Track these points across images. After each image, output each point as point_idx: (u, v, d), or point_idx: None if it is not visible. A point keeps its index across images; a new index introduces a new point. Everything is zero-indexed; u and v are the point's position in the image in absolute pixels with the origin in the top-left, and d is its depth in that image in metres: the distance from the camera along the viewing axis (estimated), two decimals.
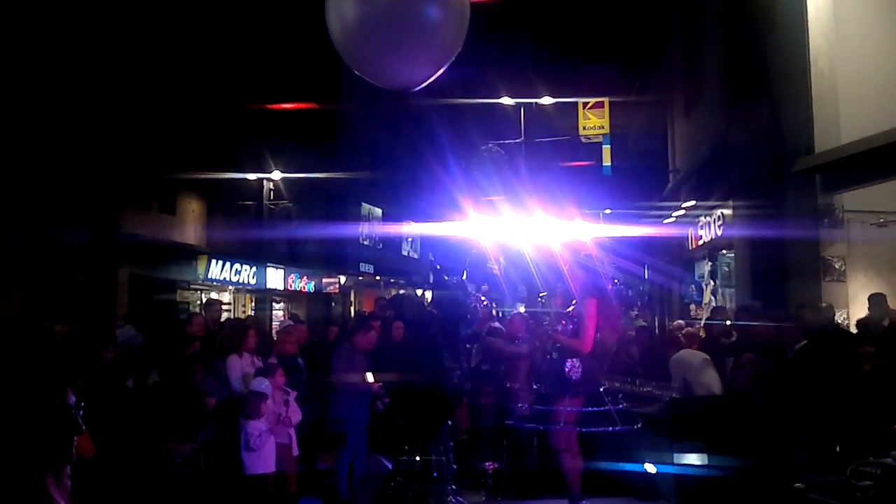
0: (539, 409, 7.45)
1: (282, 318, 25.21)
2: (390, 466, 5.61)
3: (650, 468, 8.58)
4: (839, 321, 11.26)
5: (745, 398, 9.19)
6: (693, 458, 8.02)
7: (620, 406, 7.51)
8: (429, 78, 4.88)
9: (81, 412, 5.69)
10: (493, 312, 13.84)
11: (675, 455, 8.10)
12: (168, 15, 20.38)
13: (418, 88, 4.93)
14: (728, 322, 10.87)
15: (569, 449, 7.32)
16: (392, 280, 37.06)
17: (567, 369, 7.19)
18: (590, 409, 7.36)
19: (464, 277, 7.10)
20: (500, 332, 10.28)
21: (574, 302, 7.51)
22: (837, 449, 8.67)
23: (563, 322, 7.44)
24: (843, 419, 8.37)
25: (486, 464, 8.89)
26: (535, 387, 7.82)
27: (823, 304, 10.66)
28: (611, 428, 7.43)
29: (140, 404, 7.21)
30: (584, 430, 7.32)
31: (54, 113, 17.36)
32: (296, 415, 8.72)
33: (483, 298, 10.91)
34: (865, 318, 10.09)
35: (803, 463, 8.19)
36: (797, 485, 6.34)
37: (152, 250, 21.37)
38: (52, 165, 17.38)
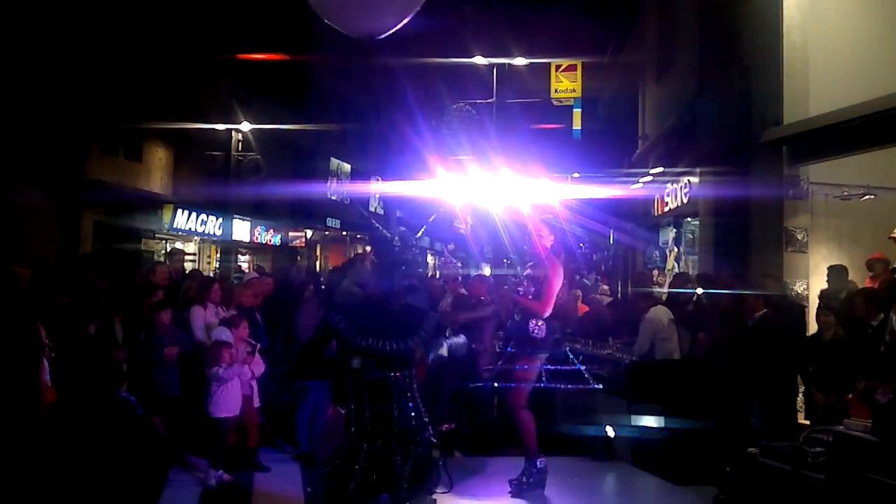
0: (502, 368, 7.51)
1: (247, 270, 25.11)
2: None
3: (608, 429, 8.71)
4: (799, 291, 11.44)
5: (703, 365, 9.34)
6: (650, 421, 8.14)
7: (579, 367, 7.60)
8: (392, 27, 4.87)
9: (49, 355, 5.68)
10: (459, 273, 13.88)
11: (633, 417, 8.22)
12: None
13: (382, 37, 4.92)
14: (693, 290, 11.00)
15: (525, 406, 7.40)
16: (358, 235, 37.00)
17: (531, 328, 7.25)
18: (552, 367, 7.44)
19: (419, 234, 7.09)
20: (466, 299, 10.29)
21: (534, 264, 7.56)
22: (792, 415, 8.87)
23: (525, 283, 7.48)
24: (798, 387, 8.55)
25: (443, 426, 8.98)
26: (498, 350, 7.87)
27: (778, 276, 10.85)
28: (571, 386, 7.53)
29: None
30: (543, 385, 7.39)
31: (21, 54, 17.04)
32: (258, 367, 8.74)
33: (455, 259, 10.96)
34: (827, 288, 10.24)
35: (758, 428, 8.37)
36: (751, 449, 6.48)
37: (117, 198, 21.13)
38: (16, 108, 17.09)
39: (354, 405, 4.78)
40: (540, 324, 7.24)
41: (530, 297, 7.40)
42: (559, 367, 7.56)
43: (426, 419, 4.94)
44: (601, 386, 7.74)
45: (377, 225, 5.56)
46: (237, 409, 8.27)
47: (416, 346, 5.01)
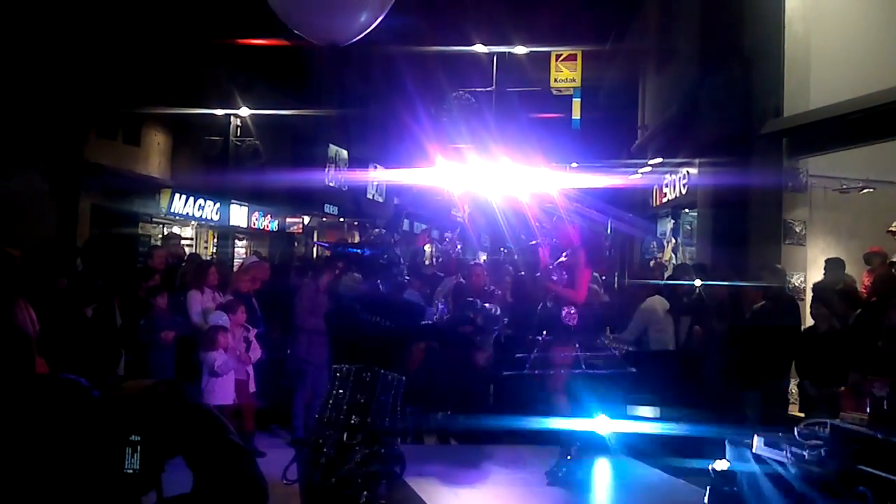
0: (538, 356, 7.45)
1: (244, 256, 25.08)
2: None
3: (603, 419, 8.70)
4: (796, 284, 11.45)
5: (699, 356, 9.35)
6: (646, 411, 8.15)
7: (613, 350, 7.59)
8: (357, 34, 4.83)
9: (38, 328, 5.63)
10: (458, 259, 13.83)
11: (628, 407, 8.22)
12: None
13: (347, 44, 4.89)
14: (691, 281, 10.99)
15: (563, 392, 7.41)
16: (356, 222, 36.95)
17: (563, 315, 7.25)
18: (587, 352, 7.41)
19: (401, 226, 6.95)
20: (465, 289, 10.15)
21: (565, 254, 7.54)
22: (787, 407, 8.88)
23: (558, 271, 7.46)
24: (794, 378, 8.55)
25: (438, 414, 8.97)
26: (530, 337, 7.79)
27: (779, 267, 10.84)
28: (606, 371, 7.49)
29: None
30: (581, 371, 7.36)
31: (20, 36, 16.96)
32: (255, 352, 8.75)
33: (458, 245, 10.91)
34: (821, 281, 10.24)
35: (751, 419, 8.38)
36: (746, 441, 6.48)
37: (115, 181, 21.08)
38: (14, 91, 17.03)
39: (335, 392, 4.78)
40: (573, 311, 7.24)
41: (563, 285, 7.38)
42: (595, 352, 7.53)
43: (399, 428, 4.94)
44: (635, 370, 7.72)
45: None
46: (230, 397, 8.26)
47: (408, 329, 5.01)
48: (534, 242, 7.98)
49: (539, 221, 7.92)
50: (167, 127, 23.95)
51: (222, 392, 8.11)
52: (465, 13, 28.86)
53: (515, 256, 13.53)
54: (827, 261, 10.64)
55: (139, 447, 1.76)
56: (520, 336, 7.87)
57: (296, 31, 4.76)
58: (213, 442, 1.82)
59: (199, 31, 21.83)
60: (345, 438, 4.63)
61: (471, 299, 5.66)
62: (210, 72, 24.60)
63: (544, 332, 7.43)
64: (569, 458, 7.31)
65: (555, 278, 7.44)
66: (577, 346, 7.33)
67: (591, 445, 8.60)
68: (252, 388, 8.84)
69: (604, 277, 18.25)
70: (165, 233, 23.26)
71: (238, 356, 8.46)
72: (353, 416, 4.68)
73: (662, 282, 12.23)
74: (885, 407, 5.54)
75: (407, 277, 5.32)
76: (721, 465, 6.50)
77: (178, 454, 1.82)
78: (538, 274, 8.03)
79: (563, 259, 7.48)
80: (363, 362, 4.75)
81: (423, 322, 5.12)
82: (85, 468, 1.68)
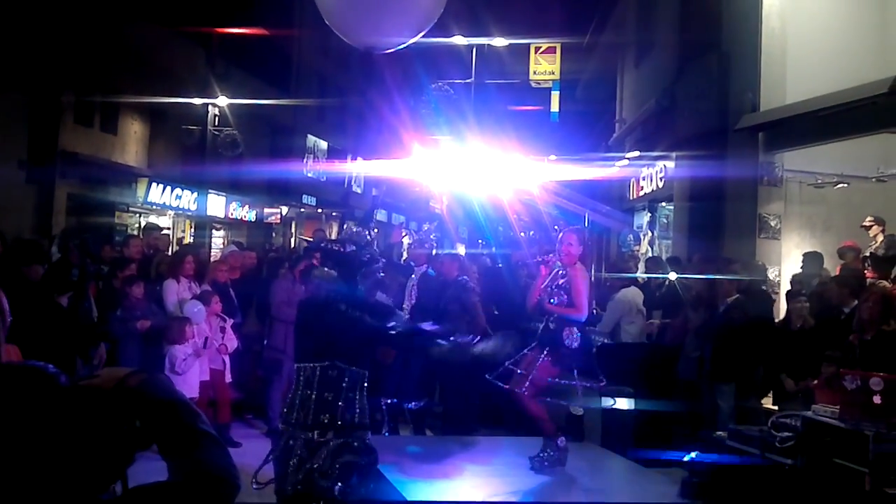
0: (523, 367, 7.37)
1: (223, 245, 24.99)
2: None
3: (577, 409, 8.74)
4: (770, 278, 11.54)
5: (672, 348, 9.42)
6: (620, 402, 8.18)
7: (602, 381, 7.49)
8: (397, 45, 4.78)
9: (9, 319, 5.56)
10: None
11: (603, 398, 8.26)
12: None
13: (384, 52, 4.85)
14: (665, 275, 11.05)
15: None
16: (334, 213, 36.90)
17: (564, 338, 7.18)
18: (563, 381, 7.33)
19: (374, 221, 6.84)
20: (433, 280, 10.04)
21: (562, 273, 7.46)
22: (760, 400, 8.96)
23: (556, 291, 7.39)
24: (768, 372, 8.63)
25: (412, 403, 8.96)
26: (525, 352, 7.68)
27: (758, 262, 10.92)
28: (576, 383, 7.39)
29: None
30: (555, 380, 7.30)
31: None
32: (231, 342, 8.73)
33: (433, 236, 10.78)
34: (799, 274, 10.33)
35: (726, 412, 8.45)
36: (719, 433, 6.55)
37: (92, 169, 20.96)
38: None
39: (301, 392, 4.79)
40: (575, 333, 7.17)
41: (564, 305, 7.33)
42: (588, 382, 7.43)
43: (368, 422, 4.94)
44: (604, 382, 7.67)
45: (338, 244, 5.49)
46: (195, 390, 8.21)
47: (380, 328, 4.99)
48: (538, 257, 7.85)
49: (517, 214, 7.92)
50: (144, 116, 23.83)
51: (187, 387, 8.04)
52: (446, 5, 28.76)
53: (493, 249, 13.51)
54: (805, 255, 10.73)
55: (108, 437, 1.76)
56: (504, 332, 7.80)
57: (335, 31, 4.67)
58: (185, 431, 1.82)
59: (177, 18, 21.72)
60: (315, 437, 4.65)
61: (424, 325, 5.59)
62: (188, 60, 24.48)
63: (546, 351, 7.32)
64: (554, 450, 7.29)
65: (554, 301, 7.37)
66: (575, 373, 7.24)
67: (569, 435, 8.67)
68: (228, 378, 8.83)
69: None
70: (142, 222, 23.15)
71: (206, 343, 8.44)
72: (322, 415, 4.69)
73: (636, 274, 12.30)
74: (856, 399, 5.61)
75: (382, 274, 5.31)
76: (694, 456, 6.56)
77: (150, 444, 1.82)
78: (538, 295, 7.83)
79: (560, 281, 7.39)
80: (329, 359, 4.75)
81: (391, 326, 5.07)
82: (47, 457, 1.67)
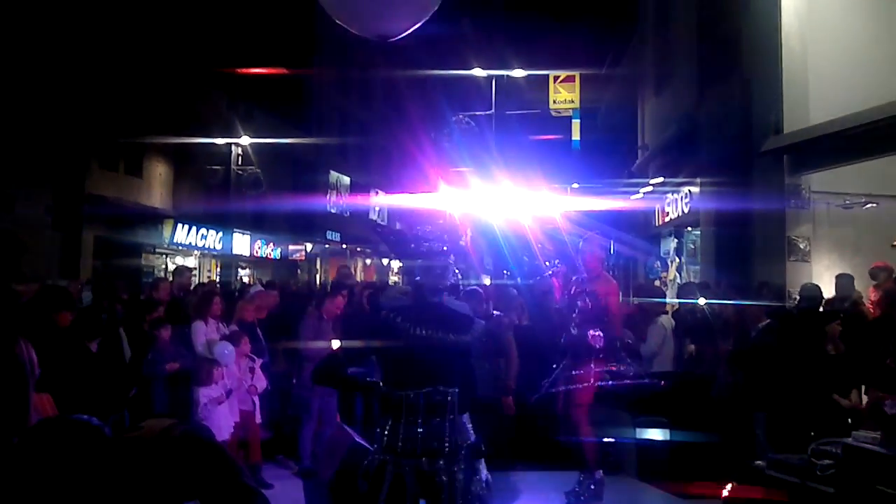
0: (562, 385, 7.33)
1: (249, 283, 25.08)
2: (356, 437, 5.53)
3: (611, 441, 8.64)
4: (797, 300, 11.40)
5: (707, 377, 9.29)
6: (655, 433, 8.09)
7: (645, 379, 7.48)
8: (408, 28, 4.76)
9: (38, 372, 5.56)
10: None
11: (637, 429, 8.16)
12: None
13: (397, 38, 4.81)
14: (695, 301, 10.94)
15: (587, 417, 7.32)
16: (359, 248, 37.00)
17: (589, 338, 7.15)
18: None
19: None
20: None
21: (588, 285, 7.43)
22: (797, 427, 8.80)
23: (584, 300, 7.36)
24: (804, 398, 8.48)
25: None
26: (554, 366, 7.66)
27: (809, 284, 10.76)
28: (634, 382, 7.35)
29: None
30: (607, 385, 7.25)
31: (21, 71, 17.05)
32: (261, 382, 8.70)
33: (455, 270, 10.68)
34: (832, 298, 10.19)
35: (761, 440, 8.31)
36: (758, 462, 6.43)
37: (118, 213, 21.15)
38: (17, 123, 17.09)
39: (391, 421, 4.62)
40: (598, 333, 7.14)
41: (589, 308, 7.30)
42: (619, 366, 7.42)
43: (472, 435, 4.78)
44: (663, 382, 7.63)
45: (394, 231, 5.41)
46: (228, 432, 8.17)
47: (467, 342, 4.80)
48: (549, 271, 7.86)
49: (541, 244, 7.88)
50: (169, 157, 24.05)
51: (217, 429, 8.01)
52: (464, 37, 28.98)
53: (518, 280, 13.42)
54: (837, 277, 10.59)
55: (153, 488, 1.74)
56: (543, 362, 7.76)
57: (342, 24, 4.64)
58: (228, 484, 1.80)
59: (199, 60, 21.95)
60: (426, 466, 4.51)
61: None
62: (210, 101, 24.72)
63: (568, 359, 7.31)
64: (591, 484, 7.22)
65: (579, 304, 7.34)
66: (603, 361, 7.22)
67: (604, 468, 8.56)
68: (258, 418, 8.79)
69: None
70: (169, 263, 23.29)
71: (245, 388, 8.42)
72: (432, 442, 4.54)
73: (667, 299, 12.19)
74: None
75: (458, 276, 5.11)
76: (732, 487, 6.44)
77: (193, 497, 1.79)
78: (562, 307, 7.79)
79: (586, 288, 7.35)
80: (427, 384, 4.58)
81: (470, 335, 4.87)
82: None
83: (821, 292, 9.16)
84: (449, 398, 4.57)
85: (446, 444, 4.50)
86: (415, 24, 4.74)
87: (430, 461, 4.48)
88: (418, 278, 4.81)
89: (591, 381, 7.19)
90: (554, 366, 7.44)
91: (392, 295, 5.19)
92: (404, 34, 4.77)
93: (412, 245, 4.97)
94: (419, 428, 4.51)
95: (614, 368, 7.30)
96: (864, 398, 7.88)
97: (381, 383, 4.71)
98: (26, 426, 5.47)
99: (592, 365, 7.22)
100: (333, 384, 5.62)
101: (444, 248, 4.90)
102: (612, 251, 24.05)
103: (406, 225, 5.17)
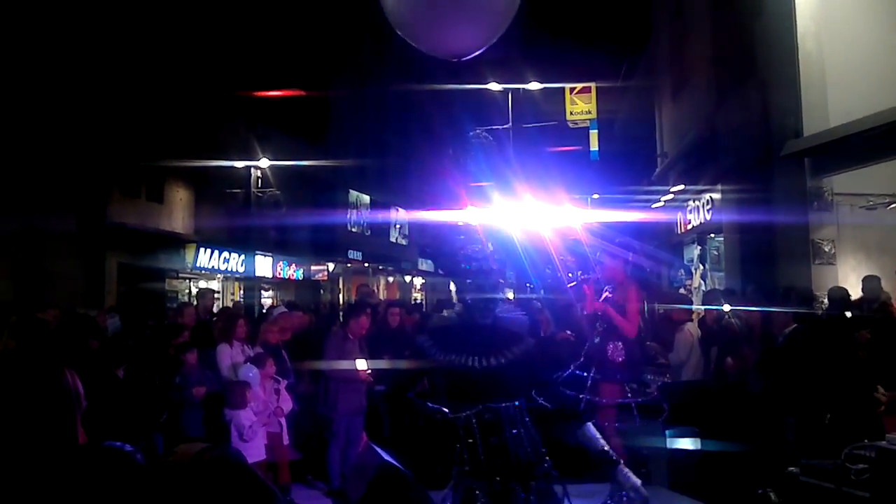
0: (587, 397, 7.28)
1: (272, 305, 25.17)
2: (385, 456, 5.50)
3: (643, 452, 8.58)
4: (825, 304, 11.31)
5: (736, 386, 9.21)
6: (686, 442, 8.02)
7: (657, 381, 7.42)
8: (479, 48, 4.73)
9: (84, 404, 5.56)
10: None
11: (668, 439, 8.10)
12: (157, 1, 20.27)
13: (467, 58, 4.78)
14: (720, 308, 10.87)
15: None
16: (381, 267, 37.04)
17: (609, 352, 7.11)
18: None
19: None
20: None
21: (608, 289, 7.42)
22: (827, 432, 8.70)
23: (608, 294, 7.33)
24: (834, 402, 8.40)
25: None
26: (577, 372, 7.62)
27: (836, 287, 10.66)
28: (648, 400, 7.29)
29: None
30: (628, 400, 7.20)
31: (42, 101, 17.23)
32: (286, 403, 8.70)
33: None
34: (859, 299, 10.09)
35: (792, 445, 8.22)
36: (791, 468, 6.36)
37: (140, 239, 21.30)
38: (39, 153, 17.26)
39: (467, 442, 4.57)
40: (620, 346, 7.09)
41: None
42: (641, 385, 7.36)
43: (543, 450, 4.72)
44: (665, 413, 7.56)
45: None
46: (262, 453, 8.18)
47: (501, 365, 4.74)
48: (582, 277, 7.81)
49: (563, 256, 7.84)
50: (189, 182, 24.20)
51: (254, 451, 8.03)
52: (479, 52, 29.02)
53: (542, 292, 13.37)
54: (864, 278, 10.49)
55: None
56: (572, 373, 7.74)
57: (413, 44, 4.62)
58: None
59: (217, 84, 22.10)
60: (497, 485, 4.46)
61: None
62: (229, 125, 24.87)
63: (592, 370, 7.26)
64: (624, 498, 7.16)
65: (606, 295, 7.32)
66: (623, 380, 7.16)
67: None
68: (286, 440, 8.78)
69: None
70: (192, 287, 23.39)
71: (271, 410, 8.42)
72: (496, 460, 4.49)
73: (692, 306, 12.11)
74: None
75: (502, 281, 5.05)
76: (766, 495, 6.38)
77: None
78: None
79: (607, 295, 7.34)
80: (480, 402, 4.53)
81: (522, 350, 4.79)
82: None
83: (848, 295, 9.10)
84: (501, 414, 4.51)
85: (513, 461, 4.44)
86: (485, 45, 4.71)
87: (503, 480, 4.42)
88: (469, 299, 4.78)
89: (608, 400, 7.14)
90: (578, 373, 7.38)
91: (440, 318, 5.17)
92: (477, 52, 4.74)
93: (462, 265, 4.96)
94: (480, 448, 4.46)
95: (629, 391, 7.21)
96: None
97: (444, 409, 4.67)
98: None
99: (612, 384, 7.16)
100: (404, 409, 5.58)
101: (494, 268, 4.90)
102: (631, 260, 23.96)
103: (447, 243, 5.17)
